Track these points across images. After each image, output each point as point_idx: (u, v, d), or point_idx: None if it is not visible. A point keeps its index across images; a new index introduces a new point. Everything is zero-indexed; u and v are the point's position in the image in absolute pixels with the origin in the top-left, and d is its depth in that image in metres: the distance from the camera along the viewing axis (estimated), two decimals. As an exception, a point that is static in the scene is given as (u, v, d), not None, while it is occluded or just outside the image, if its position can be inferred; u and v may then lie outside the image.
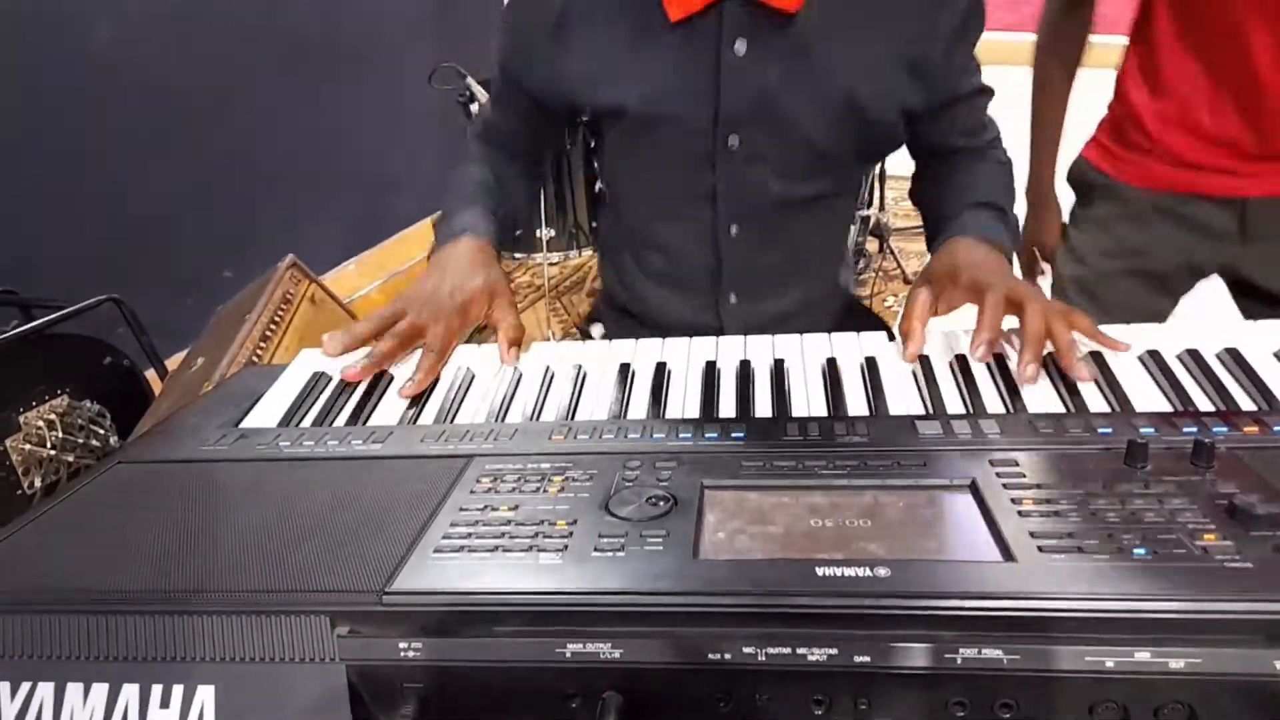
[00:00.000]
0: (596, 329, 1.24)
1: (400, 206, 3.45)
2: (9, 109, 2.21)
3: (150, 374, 2.28)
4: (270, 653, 0.52)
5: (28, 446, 2.10)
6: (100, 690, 0.52)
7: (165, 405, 2.18)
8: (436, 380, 0.84)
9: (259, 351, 2.14)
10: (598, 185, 2.87)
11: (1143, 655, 0.46)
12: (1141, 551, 0.51)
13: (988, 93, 1.05)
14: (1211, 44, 1.15)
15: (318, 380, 0.85)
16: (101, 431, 2.21)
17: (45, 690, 0.52)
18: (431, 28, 3.40)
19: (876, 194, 3.01)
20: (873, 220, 2.98)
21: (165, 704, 0.51)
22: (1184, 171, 1.23)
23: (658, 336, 0.89)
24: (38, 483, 2.12)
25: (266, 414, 0.80)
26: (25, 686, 0.53)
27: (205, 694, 0.51)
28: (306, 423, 0.78)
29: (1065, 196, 1.42)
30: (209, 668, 0.52)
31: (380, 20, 3.19)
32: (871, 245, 3.10)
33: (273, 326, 2.22)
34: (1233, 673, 0.46)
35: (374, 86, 3.22)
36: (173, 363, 2.34)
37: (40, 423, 2.12)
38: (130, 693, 0.52)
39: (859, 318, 1.22)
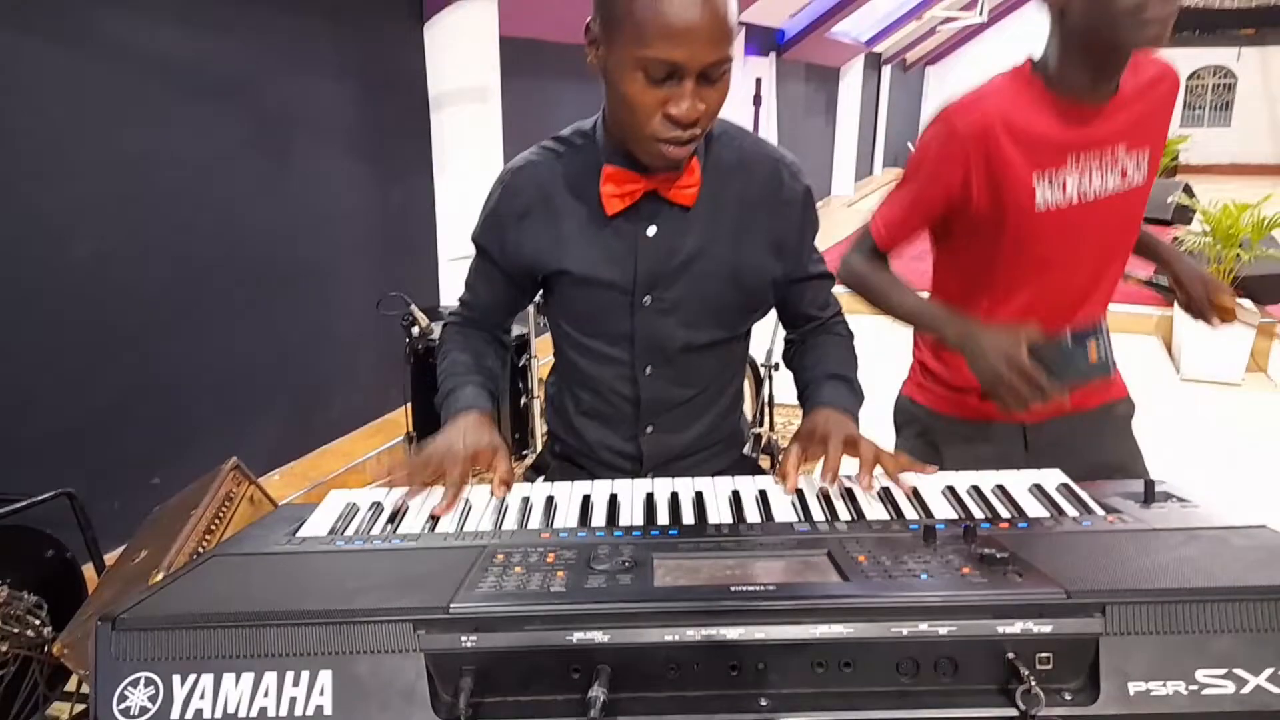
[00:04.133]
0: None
1: (329, 422, 3.69)
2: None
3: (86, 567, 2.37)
4: (371, 647, 0.77)
5: (-35, 634, 2.13)
6: (248, 677, 0.76)
7: (106, 595, 2.28)
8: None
9: (203, 545, 2.29)
10: (522, 400, 3.21)
11: (923, 626, 0.77)
12: (924, 576, 0.83)
13: (830, 278, 1.45)
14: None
15: (351, 508, 1.11)
16: (37, 622, 2.24)
17: (206, 679, 0.76)
18: (376, 260, 3.83)
19: (767, 417, 3.45)
20: (764, 440, 3.39)
21: (296, 683, 0.76)
22: (971, 397, 1.54)
23: (589, 473, 1.17)
24: (-27, 669, 2.13)
25: (315, 530, 1.06)
26: (191, 676, 0.76)
27: (325, 676, 0.76)
28: (349, 533, 1.04)
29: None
30: (327, 659, 0.77)
31: (330, 251, 3.59)
32: (764, 461, 3.49)
33: (216, 521, 2.38)
34: (975, 636, 0.77)
35: (319, 312, 3.53)
36: (108, 558, 2.43)
37: (-21, 612, 2.16)
38: (270, 678, 0.76)
39: (751, 465, 1.57)
